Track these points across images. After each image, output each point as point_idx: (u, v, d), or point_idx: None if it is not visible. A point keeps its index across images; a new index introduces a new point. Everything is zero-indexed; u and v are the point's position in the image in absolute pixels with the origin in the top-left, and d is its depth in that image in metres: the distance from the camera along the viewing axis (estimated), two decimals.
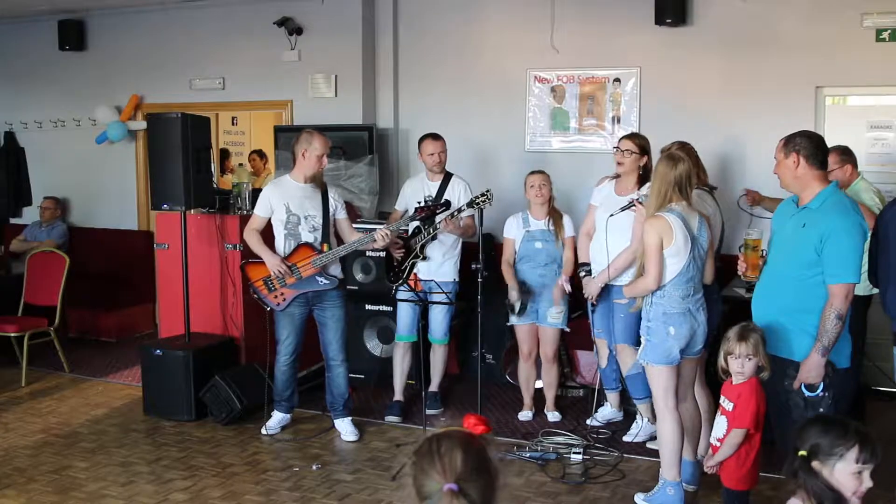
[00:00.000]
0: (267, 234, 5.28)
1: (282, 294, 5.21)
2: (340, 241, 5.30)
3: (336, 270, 5.26)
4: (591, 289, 5.07)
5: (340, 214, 5.33)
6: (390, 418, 5.63)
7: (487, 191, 5.23)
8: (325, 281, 5.18)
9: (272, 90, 7.65)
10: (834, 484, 2.42)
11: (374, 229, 5.29)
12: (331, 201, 5.27)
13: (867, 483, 2.44)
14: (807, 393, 3.56)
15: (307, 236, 5.17)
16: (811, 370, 3.53)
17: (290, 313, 5.25)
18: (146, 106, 8.12)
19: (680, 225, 3.96)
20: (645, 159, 5.05)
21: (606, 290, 5.05)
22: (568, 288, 5.35)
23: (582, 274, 5.20)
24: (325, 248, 5.17)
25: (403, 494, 1.70)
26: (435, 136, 5.71)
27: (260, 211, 5.27)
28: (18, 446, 5.17)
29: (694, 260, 4.01)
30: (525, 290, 5.45)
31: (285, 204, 5.18)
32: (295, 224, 5.18)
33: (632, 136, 5.16)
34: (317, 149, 5.17)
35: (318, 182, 5.29)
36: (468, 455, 1.68)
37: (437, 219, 5.47)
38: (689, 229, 4.00)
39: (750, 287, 5.05)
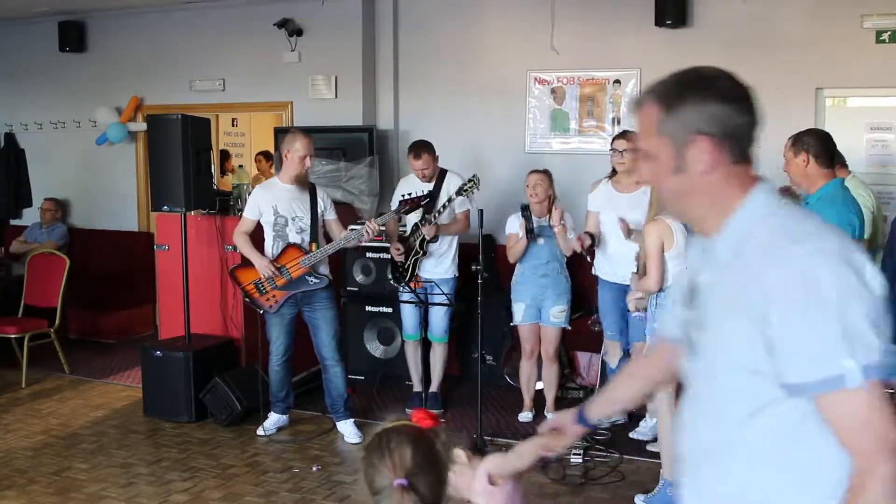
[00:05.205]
0: (257, 237, 5.27)
1: (273, 296, 5.20)
2: (330, 241, 5.27)
3: (325, 269, 5.24)
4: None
5: (330, 215, 5.30)
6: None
7: (474, 175, 5.17)
8: (315, 280, 5.16)
9: (272, 91, 7.64)
10: None
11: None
12: (319, 202, 5.24)
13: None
14: None
15: (294, 237, 5.16)
16: None
17: (280, 314, 5.25)
18: (146, 107, 8.11)
19: (681, 228, 3.97)
20: None
21: (622, 292, 5.03)
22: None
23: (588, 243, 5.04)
24: (314, 247, 5.15)
25: (358, 489, 1.71)
26: (417, 154, 5.51)
27: (248, 213, 5.26)
28: (19, 447, 5.17)
29: None
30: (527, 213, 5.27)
31: (273, 206, 5.17)
32: (283, 226, 5.18)
33: (624, 135, 5.15)
34: (299, 150, 5.12)
35: (304, 183, 5.26)
36: (418, 450, 1.68)
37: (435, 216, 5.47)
38: (692, 231, 4.01)
39: None
